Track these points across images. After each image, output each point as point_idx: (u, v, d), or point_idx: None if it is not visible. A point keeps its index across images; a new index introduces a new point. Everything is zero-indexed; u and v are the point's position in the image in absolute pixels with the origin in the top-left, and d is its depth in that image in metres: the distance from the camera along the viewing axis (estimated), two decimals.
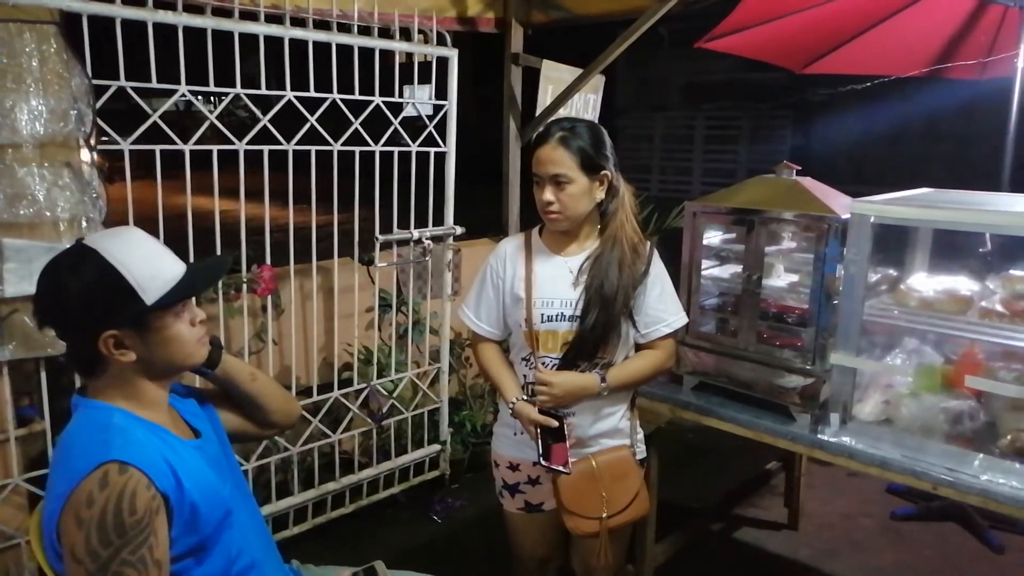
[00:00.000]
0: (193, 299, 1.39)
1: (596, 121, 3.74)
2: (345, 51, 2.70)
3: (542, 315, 1.87)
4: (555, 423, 1.83)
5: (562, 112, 3.47)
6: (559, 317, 1.87)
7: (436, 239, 3.13)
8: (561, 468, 1.81)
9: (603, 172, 1.82)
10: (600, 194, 1.85)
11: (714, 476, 3.57)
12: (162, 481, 1.24)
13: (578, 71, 3.42)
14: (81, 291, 1.25)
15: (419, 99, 3.00)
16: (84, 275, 1.26)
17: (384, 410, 3.11)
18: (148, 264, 1.29)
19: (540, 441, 1.83)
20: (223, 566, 1.36)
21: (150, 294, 1.28)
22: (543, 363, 1.89)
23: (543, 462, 1.82)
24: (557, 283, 1.88)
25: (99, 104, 2.13)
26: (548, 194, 1.80)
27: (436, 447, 3.35)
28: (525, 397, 1.90)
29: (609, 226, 1.87)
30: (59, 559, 1.23)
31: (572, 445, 1.85)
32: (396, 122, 2.92)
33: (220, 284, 2.58)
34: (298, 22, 2.58)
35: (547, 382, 1.83)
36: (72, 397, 1.36)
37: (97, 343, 1.26)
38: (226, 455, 1.50)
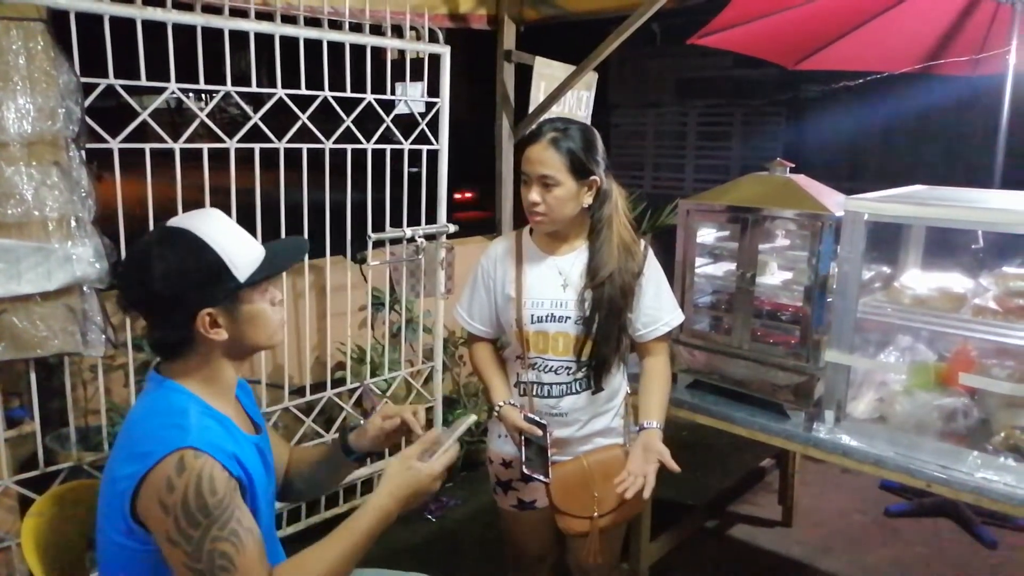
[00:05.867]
0: (273, 280, 1.40)
1: (589, 117, 3.76)
2: (336, 48, 2.68)
3: (532, 316, 1.86)
4: (539, 431, 1.81)
5: (555, 109, 3.46)
6: (549, 318, 1.86)
7: (429, 237, 3.11)
8: (540, 477, 1.80)
9: (592, 177, 1.80)
10: (588, 199, 1.82)
11: (709, 473, 3.58)
12: (233, 471, 1.24)
13: (571, 68, 3.40)
14: (178, 269, 1.25)
15: (411, 96, 2.98)
16: (180, 254, 1.26)
17: (378, 409, 3.09)
18: (236, 242, 1.31)
19: (523, 448, 1.83)
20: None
21: (242, 271, 1.29)
22: (533, 363, 1.88)
23: (524, 469, 1.81)
24: (547, 284, 1.87)
25: (88, 102, 2.10)
26: (534, 194, 1.78)
27: None
28: (512, 401, 1.89)
29: (603, 232, 1.84)
30: (128, 534, 1.22)
31: (556, 452, 1.84)
32: (388, 119, 2.90)
33: None
34: (288, 19, 2.56)
35: (647, 474, 1.73)
36: (148, 372, 1.36)
37: (194, 322, 1.26)
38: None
